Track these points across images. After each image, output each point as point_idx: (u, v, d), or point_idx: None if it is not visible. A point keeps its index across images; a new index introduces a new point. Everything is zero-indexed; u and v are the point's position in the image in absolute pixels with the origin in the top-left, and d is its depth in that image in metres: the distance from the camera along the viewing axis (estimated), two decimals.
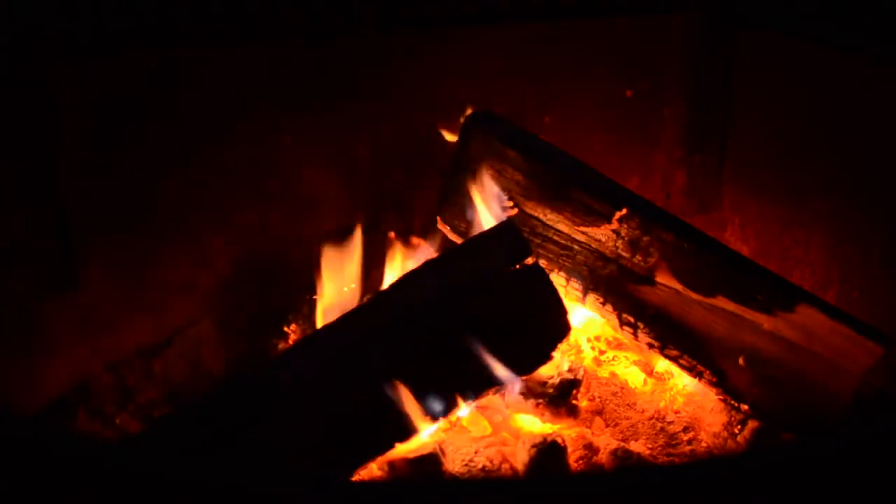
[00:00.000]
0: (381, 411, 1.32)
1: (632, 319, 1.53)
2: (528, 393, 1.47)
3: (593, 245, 1.54)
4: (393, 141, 1.87)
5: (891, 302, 1.66)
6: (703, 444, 1.50)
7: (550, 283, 1.43)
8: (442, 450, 1.39)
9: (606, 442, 1.47)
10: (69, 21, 1.58)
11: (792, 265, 1.87)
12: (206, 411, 1.32)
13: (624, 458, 1.42)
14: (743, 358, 1.46)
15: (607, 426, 1.53)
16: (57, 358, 1.59)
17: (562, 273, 1.57)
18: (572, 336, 1.53)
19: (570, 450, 1.42)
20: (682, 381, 1.58)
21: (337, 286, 1.62)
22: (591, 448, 1.44)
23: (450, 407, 1.36)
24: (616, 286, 1.53)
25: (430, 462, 1.36)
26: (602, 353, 1.64)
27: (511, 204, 1.57)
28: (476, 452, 1.41)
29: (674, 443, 1.51)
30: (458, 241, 1.62)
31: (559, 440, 1.40)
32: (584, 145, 1.92)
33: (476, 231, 1.56)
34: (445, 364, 1.36)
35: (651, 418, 1.53)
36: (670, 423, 1.52)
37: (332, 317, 1.43)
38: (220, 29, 1.71)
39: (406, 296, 1.40)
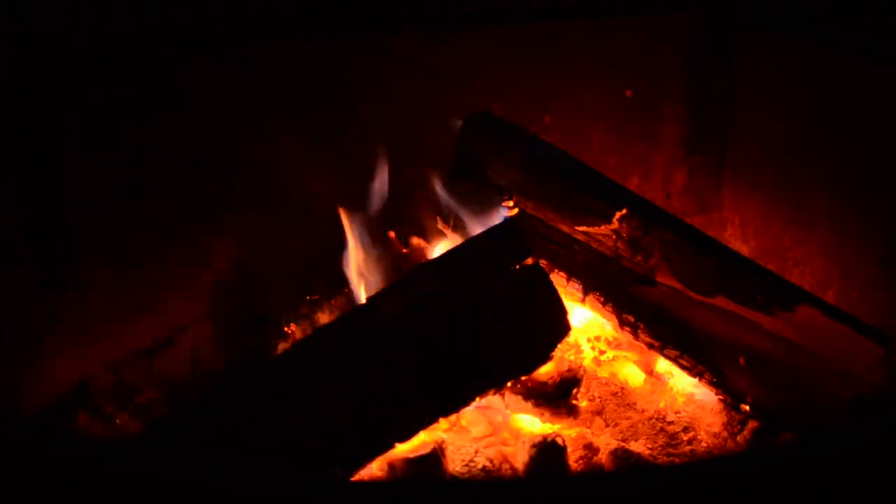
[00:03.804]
0: (380, 411, 1.32)
1: (632, 319, 1.53)
2: (528, 393, 1.47)
3: (593, 245, 1.54)
4: (393, 141, 1.86)
5: (891, 302, 1.66)
6: (703, 444, 1.50)
7: (550, 283, 1.43)
8: (442, 450, 1.39)
9: (606, 442, 1.47)
10: (69, 21, 1.58)
11: (792, 265, 1.87)
12: (206, 411, 1.32)
13: (624, 458, 1.42)
14: (743, 358, 1.45)
15: (607, 426, 1.52)
16: (57, 358, 1.59)
17: (562, 273, 1.57)
18: (572, 336, 1.53)
19: (570, 450, 1.42)
20: (682, 381, 1.57)
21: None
22: (591, 448, 1.44)
23: (450, 407, 1.36)
24: (616, 286, 1.53)
25: (430, 462, 1.36)
26: (602, 353, 1.64)
27: (511, 204, 1.57)
28: (476, 452, 1.41)
29: (674, 443, 1.51)
30: (458, 240, 1.62)
31: (559, 440, 1.40)
32: (584, 145, 1.93)
33: (476, 231, 1.56)
34: (445, 364, 1.36)
35: (651, 418, 1.53)
36: (670, 423, 1.52)
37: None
38: (220, 29, 1.71)
39: (405, 297, 1.40)
